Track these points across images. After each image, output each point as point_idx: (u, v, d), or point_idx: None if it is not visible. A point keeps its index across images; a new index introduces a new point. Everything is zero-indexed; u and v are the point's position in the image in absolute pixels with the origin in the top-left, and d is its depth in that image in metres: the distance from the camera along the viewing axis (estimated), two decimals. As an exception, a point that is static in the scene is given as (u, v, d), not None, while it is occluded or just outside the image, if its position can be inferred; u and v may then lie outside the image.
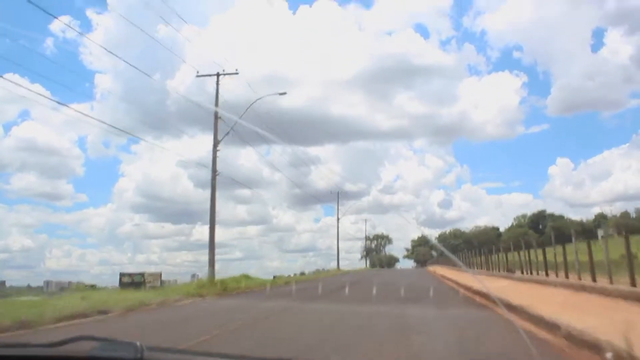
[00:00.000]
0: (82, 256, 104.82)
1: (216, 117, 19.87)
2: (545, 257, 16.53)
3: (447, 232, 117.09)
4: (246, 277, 30.88)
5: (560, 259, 16.47)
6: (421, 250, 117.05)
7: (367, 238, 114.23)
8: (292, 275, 55.29)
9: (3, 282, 71.89)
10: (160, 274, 78.08)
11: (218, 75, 21.26)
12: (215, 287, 17.31)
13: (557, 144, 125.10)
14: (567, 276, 14.85)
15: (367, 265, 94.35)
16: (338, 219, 50.71)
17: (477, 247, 53.93)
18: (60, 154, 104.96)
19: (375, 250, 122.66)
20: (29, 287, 60.34)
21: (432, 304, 12.23)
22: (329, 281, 24.76)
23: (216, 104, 20.34)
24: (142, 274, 77.81)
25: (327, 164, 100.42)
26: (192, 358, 1.63)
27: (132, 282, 68.82)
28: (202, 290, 16.63)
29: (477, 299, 12.41)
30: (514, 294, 11.67)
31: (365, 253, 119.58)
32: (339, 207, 56.52)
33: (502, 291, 12.58)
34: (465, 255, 49.76)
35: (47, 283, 63.66)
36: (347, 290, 16.34)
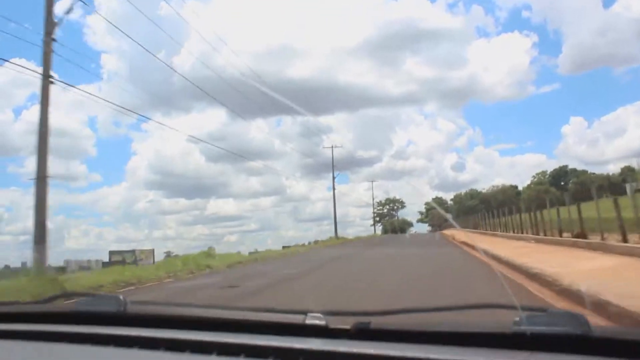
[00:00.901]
0: (100, 234, 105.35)
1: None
2: None
3: (462, 194, 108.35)
4: (207, 255, 22.68)
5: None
6: (436, 213, 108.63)
7: (379, 203, 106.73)
8: (306, 243, 49.68)
9: (25, 263, 74.85)
10: (153, 251, 69.80)
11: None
12: (40, 285, 8.70)
13: (570, 103, 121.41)
14: None
15: (376, 232, 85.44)
16: (334, 178, 41.64)
17: (495, 207, 48.03)
18: (72, 135, 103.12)
19: (388, 215, 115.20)
20: (49, 266, 58.50)
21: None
22: (288, 262, 17.49)
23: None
24: (133, 252, 70.27)
25: (339, 132, 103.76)
26: (176, 309, 1.56)
27: (122, 260, 62.03)
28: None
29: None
30: None
31: (377, 218, 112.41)
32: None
33: None
34: (484, 216, 41.35)
35: (68, 262, 61.88)
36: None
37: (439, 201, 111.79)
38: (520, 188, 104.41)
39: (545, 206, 17.86)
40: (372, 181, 77.91)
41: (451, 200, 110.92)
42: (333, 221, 52.34)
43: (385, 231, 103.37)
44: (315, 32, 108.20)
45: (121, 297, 1.42)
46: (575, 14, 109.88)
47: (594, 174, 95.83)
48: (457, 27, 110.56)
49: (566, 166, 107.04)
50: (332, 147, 40.90)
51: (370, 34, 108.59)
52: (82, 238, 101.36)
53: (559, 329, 1.02)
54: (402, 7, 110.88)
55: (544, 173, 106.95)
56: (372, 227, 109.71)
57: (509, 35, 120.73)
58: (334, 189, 41.26)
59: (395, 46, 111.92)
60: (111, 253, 72.01)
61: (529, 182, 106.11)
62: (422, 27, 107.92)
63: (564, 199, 17.21)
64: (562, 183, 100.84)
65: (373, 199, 78.27)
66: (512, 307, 1.12)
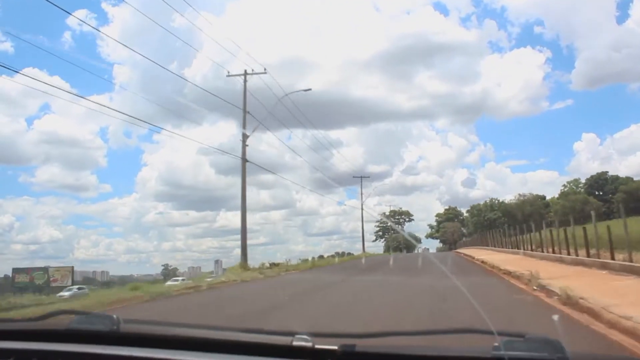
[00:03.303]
0: (109, 245, 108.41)
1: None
2: None
3: (480, 205, 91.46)
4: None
5: None
6: (449, 227, 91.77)
7: (382, 215, 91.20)
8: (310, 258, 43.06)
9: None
10: (72, 269, 50.94)
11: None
12: None
13: (582, 119, 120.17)
14: None
15: (365, 250, 67.70)
16: (244, 141, 25.07)
17: (522, 220, 44.46)
18: (83, 145, 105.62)
19: (393, 230, 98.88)
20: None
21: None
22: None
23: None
24: (45, 269, 50.55)
25: (349, 147, 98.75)
26: (168, 329, 1.61)
27: (30, 280, 44.11)
28: None
29: None
30: None
31: (380, 233, 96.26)
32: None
33: None
34: (507, 231, 26.10)
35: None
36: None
37: (451, 213, 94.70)
38: (547, 198, 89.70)
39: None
40: (361, 177, 60.75)
41: (467, 212, 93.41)
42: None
43: (387, 249, 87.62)
44: (327, 45, 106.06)
45: (114, 316, 1.51)
46: (588, 29, 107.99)
47: (641, 181, 79.31)
48: (470, 42, 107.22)
49: (606, 172, 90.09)
50: (244, 73, 24.53)
51: (382, 48, 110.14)
52: (92, 248, 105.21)
53: (536, 355, 1.12)
54: (415, 20, 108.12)
55: (576, 182, 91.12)
56: (376, 242, 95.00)
57: (521, 51, 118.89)
58: (244, 170, 24.66)
59: (407, 60, 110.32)
60: (15, 270, 56.23)
61: (557, 192, 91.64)
62: (435, 40, 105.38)
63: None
64: (600, 192, 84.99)
65: (362, 202, 60.35)
66: (490, 333, 1.23)
